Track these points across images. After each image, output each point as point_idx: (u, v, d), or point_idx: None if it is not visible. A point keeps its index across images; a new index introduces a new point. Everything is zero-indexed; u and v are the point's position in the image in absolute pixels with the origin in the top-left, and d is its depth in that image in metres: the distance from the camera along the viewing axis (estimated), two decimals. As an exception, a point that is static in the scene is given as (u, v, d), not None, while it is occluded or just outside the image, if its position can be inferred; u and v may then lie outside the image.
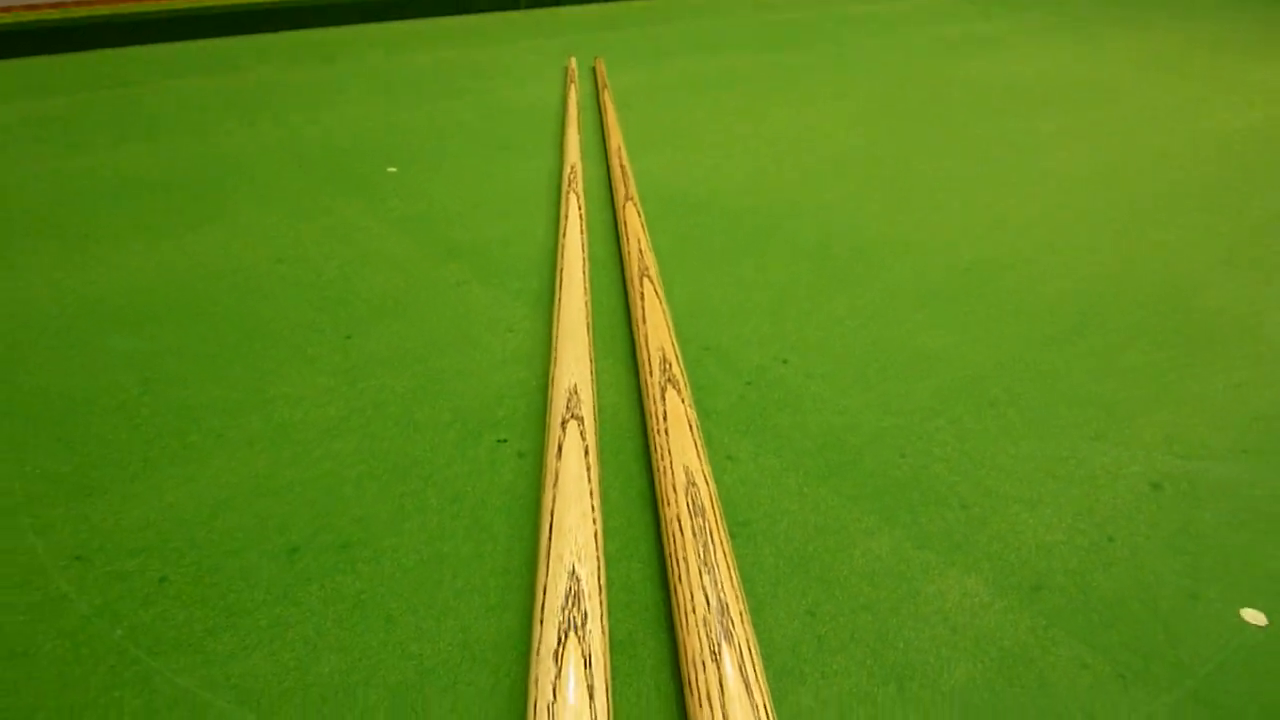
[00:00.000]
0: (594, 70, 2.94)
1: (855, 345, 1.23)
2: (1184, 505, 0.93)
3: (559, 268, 1.32)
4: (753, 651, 0.67)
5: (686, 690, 0.65)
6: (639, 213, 1.55)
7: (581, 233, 1.45)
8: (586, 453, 0.89)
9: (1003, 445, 1.02)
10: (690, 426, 0.94)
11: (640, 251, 1.38)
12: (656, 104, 2.56)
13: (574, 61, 2.98)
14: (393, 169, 1.92)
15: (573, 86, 2.56)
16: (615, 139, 1.98)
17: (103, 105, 2.43)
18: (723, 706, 0.62)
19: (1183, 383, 1.17)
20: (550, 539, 0.77)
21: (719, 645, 0.66)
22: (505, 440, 1.00)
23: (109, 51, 3.18)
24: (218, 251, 1.48)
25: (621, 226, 1.54)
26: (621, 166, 1.78)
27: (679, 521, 0.80)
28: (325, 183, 1.82)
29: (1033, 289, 1.42)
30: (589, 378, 1.03)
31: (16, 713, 0.66)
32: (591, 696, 0.62)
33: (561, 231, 1.46)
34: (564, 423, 0.94)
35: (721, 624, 0.68)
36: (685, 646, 0.68)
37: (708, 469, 0.88)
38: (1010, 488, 0.95)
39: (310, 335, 1.22)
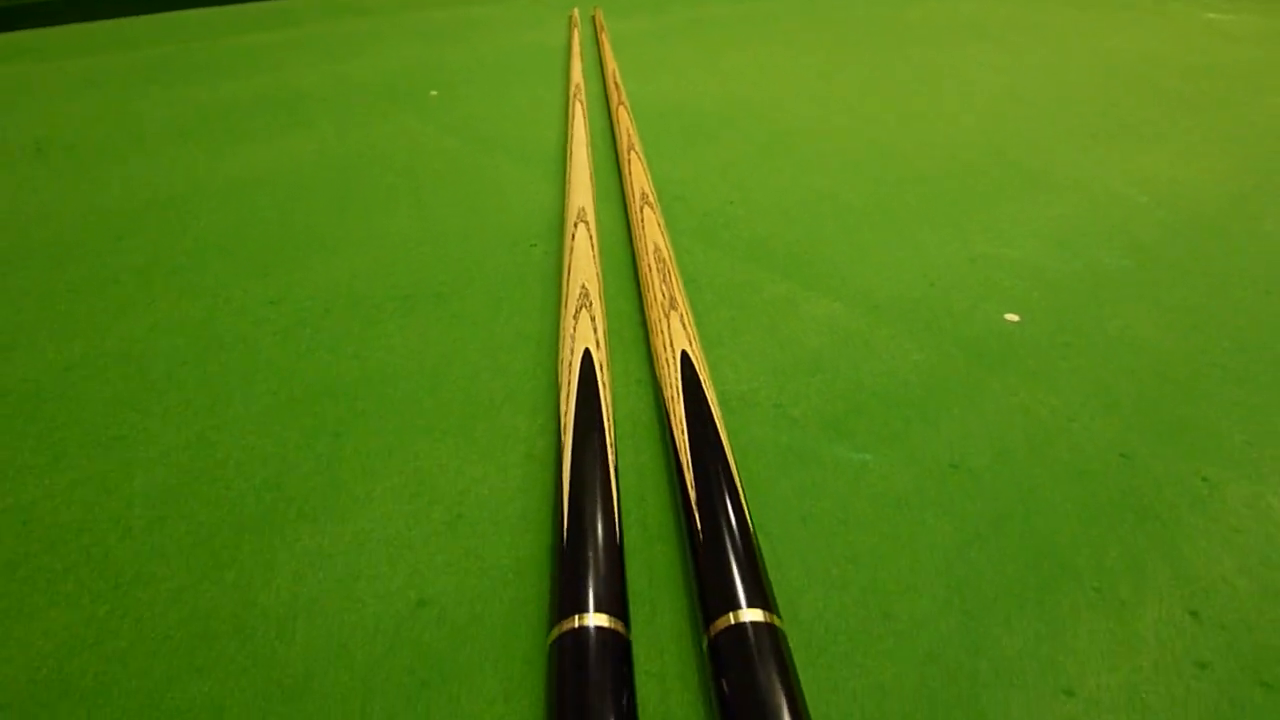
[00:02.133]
0: (593, 19, 3.35)
1: (781, 194, 1.67)
2: (986, 268, 1.38)
3: (569, 147, 1.76)
4: (690, 316, 1.11)
5: (651, 333, 1.10)
6: (629, 114, 1.98)
7: (585, 126, 1.89)
8: (590, 239, 1.33)
9: (871, 241, 1.46)
10: (659, 226, 1.39)
11: (629, 136, 1.82)
12: (647, 46, 2.98)
13: (576, 12, 3.39)
14: (434, 92, 2.35)
15: (575, 30, 2.98)
16: (610, 66, 2.41)
17: (188, 54, 2.86)
18: (670, 339, 1.07)
19: (1006, 205, 1.60)
20: (569, 274, 1.22)
21: (669, 311, 1.11)
22: (535, 245, 1.45)
23: (176, 13, 3.60)
24: (312, 149, 1.92)
25: (615, 123, 1.97)
26: (615, 84, 2.21)
27: (650, 266, 1.25)
28: (381, 103, 2.26)
29: (918, 159, 1.85)
30: (591, 204, 1.47)
31: (256, 371, 1.11)
32: (595, 330, 1.07)
33: (570, 125, 1.90)
34: (575, 224, 1.38)
35: (671, 303, 1.13)
36: (649, 316, 1.13)
37: (669, 246, 1.32)
38: (872, 260, 1.39)
39: (392, 194, 1.66)
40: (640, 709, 0.65)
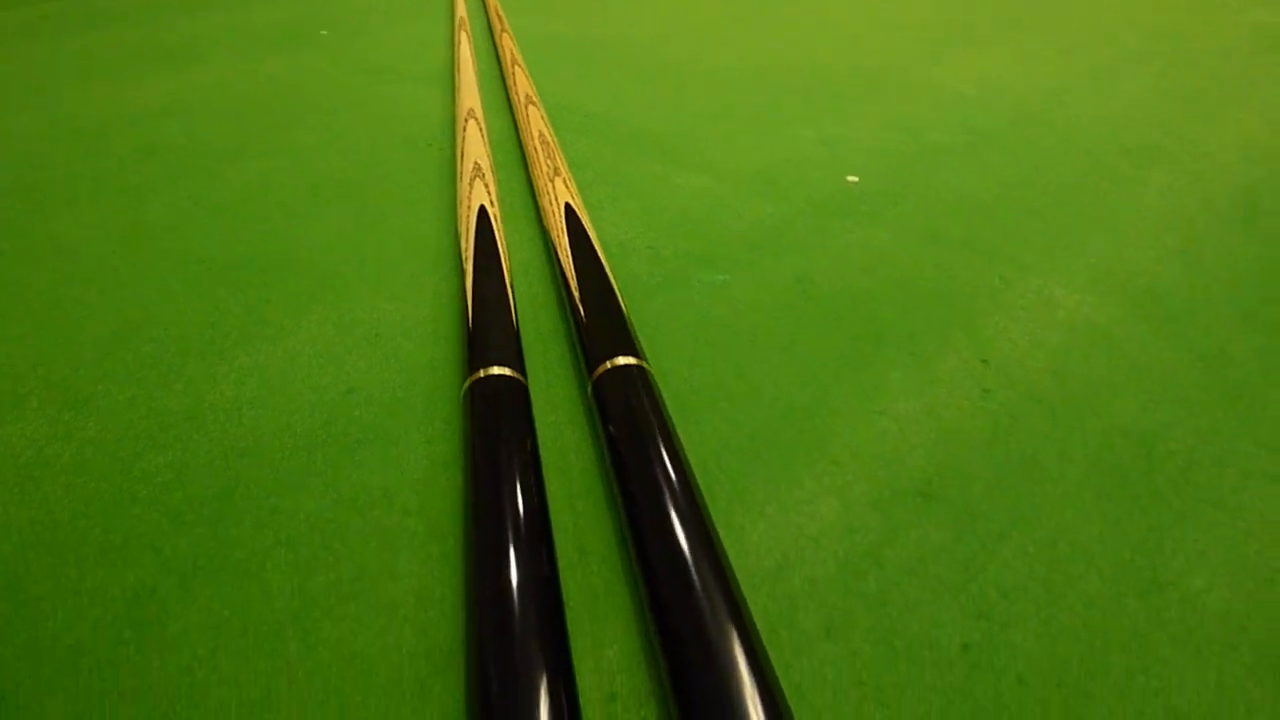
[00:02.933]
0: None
1: (659, 104, 1.80)
2: (835, 147, 1.54)
3: (457, 64, 1.86)
4: (572, 180, 1.24)
5: (539, 195, 1.23)
6: (512, 39, 2.09)
7: (470, 50, 1.98)
8: (481, 131, 1.45)
9: (738, 134, 1.61)
10: (543, 119, 1.50)
11: (512, 55, 1.92)
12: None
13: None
14: (324, 32, 2.40)
15: (459, -24, 3.04)
16: (492, 2, 2.50)
17: (80, 8, 2.83)
18: (556, 196, 1.19)
19: (856, 104, 1.77)
20: (462, 157, 1.33)
21: (554, 177, 1.24)
22: (431, 145, 1.55)
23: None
24: (220, 83, 1.96)
25: (499, 48, 2.07)
26: (498, 15, 2.31)
27: (535, 149, 1.37)
28: (279, 45, 2.30)
29: (783, 77, 2.01)
30: (479, 106, 1.58)
31: (183, 253, 1.20)
32: (488, 192, 1.19)
33: (457, 50, 1.99)
34: (465, 121, 1.49)
35: (555, 171, 1.25)
36: (536, 186, 1.26)
37: (553, 134, 1.45)
38: (737, 147, 1.54)
39: (293, 114, 1.73)
40: (541, 448, 0.78)
